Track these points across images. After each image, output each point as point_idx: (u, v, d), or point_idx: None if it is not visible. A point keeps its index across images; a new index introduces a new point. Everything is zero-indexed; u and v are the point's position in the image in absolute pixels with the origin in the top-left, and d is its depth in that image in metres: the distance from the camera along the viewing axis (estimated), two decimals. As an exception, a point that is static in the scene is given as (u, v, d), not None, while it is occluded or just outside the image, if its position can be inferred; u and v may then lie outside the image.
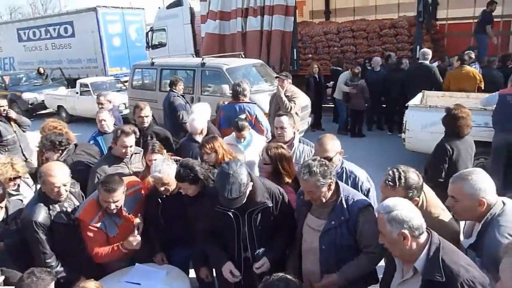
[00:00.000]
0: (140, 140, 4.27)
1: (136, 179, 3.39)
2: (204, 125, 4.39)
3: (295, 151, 3.76)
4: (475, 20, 11.63)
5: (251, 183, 2.57)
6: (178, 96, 6.72)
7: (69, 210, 2.99)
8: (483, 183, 2.15)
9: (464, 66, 7.43)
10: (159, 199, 3.14)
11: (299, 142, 3.88)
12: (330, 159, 2.85)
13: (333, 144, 2.99)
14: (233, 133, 4.28)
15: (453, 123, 3.88)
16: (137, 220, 3.10)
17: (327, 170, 2.41)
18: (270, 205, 2.68)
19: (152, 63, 9.61)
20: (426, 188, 2.53)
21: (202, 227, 2.88)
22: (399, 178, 2.32)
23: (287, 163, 3.22)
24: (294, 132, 3.91)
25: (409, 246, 1.94)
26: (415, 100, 6.93)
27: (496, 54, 9.18)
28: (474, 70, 7.47)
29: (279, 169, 3.18)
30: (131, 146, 3.67)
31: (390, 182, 2.34)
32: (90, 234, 2.94)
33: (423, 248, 1.94)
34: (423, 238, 1.95)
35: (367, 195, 2.93)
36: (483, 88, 7.13)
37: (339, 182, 2.58)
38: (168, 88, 6.93)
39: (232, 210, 2.59)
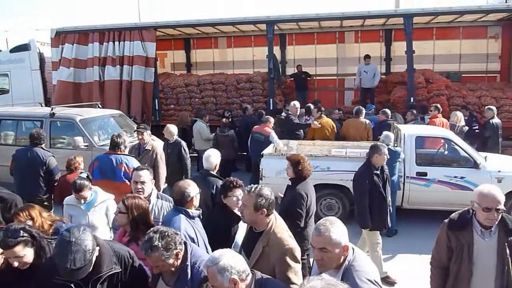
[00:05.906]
0: None
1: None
2: (218, 161, 4.65)
3: (153, 208, 3.55)
4: (317, 78, 13.56)
5: (97, 248, 2.35)
6: (53, 155, 5.91)
7: None
8: (343, 229, 2.24)
9: (322, 117, 8.46)
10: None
11: (157, 197, 3.69)
12: None
13: None
14: (73, 194, 3.93)
15: (296, 168, 4.30)
16: None
17: (171, 241, 2.37)
18: (118, 271, 2.47)
19: (-12, 112, 8.39)
20: (277, 214, 2.89)
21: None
22: (255, 188, 2.77)
23: (144, 216, 3.04)
24: (152, 188, 3.70)
25: None
26: (269, 149, 7.48)
27: (334, 107, 10.72)
28: (329, 120, 8.51)
29: (137, 222, 2.97)
30: None
31: (247, 189, 2.81)
32: None
33: (250, 287, 2.12)
34: (249, 278, 2.13)
35: None
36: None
37: (190, 247, 2.54)
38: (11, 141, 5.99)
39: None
